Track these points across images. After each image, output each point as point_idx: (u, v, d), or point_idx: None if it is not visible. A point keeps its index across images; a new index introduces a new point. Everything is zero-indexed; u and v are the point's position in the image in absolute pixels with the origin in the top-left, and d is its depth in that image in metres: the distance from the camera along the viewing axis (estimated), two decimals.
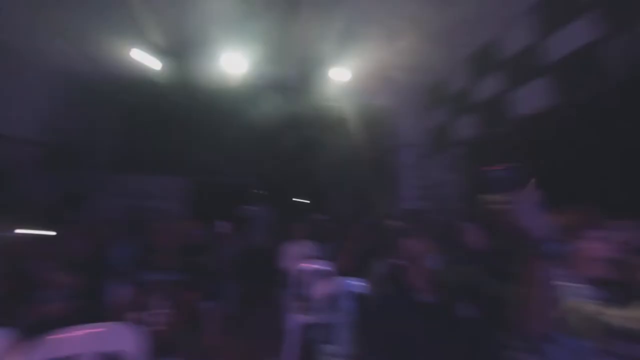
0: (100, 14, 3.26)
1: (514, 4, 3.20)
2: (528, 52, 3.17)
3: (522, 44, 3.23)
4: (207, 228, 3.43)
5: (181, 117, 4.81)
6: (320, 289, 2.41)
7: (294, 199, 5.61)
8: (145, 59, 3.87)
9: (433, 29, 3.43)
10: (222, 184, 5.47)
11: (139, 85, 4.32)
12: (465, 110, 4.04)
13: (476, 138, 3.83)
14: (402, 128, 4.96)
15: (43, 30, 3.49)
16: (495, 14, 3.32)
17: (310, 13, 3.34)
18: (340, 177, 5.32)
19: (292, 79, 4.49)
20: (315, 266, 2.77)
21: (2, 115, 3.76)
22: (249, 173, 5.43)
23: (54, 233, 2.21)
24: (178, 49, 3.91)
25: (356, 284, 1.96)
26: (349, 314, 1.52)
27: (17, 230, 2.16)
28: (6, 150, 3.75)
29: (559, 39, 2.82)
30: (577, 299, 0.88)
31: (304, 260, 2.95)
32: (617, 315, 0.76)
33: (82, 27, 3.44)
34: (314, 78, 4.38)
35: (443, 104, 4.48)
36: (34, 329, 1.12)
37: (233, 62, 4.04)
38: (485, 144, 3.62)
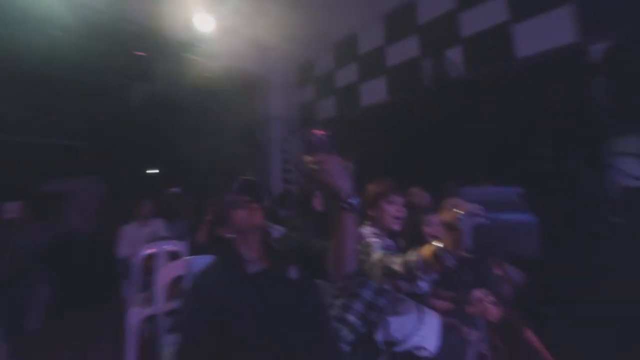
0: None
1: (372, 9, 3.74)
2: (375, 53, 3.82)
3: (372, 45, 3.86)
4: None
5: None
6: (167, 274, 2.12)
7: (138, 169, 4.52)
8: None
9: (308, 9, 3.43)
10: (17, 145, 3.73)
11: None
12: (328, 92, 4.43)
13: (334, 118, 4.30)
14: (272, 100, 4.89)
15: None
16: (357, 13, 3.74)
17: None
18: (200, 144, 4.69)
19: (141, 15, 3.43)
20: (162, 248, 2.41)
21: None
22: (67, 131, 3.89)
23: None
24: None
25: (205, 262, 1.81)
26: None
27: None
28: None
29: (395, 50, 3.64)
30: (375, 249, 1.12)
31: (149, 243, 2.52)
32: (394, 262, 1.00)
33: None
34: (171, 20, 3.49)
35: (310, 84, 4.72)
36: None
37: None
38: (340, 124, 4.12)
